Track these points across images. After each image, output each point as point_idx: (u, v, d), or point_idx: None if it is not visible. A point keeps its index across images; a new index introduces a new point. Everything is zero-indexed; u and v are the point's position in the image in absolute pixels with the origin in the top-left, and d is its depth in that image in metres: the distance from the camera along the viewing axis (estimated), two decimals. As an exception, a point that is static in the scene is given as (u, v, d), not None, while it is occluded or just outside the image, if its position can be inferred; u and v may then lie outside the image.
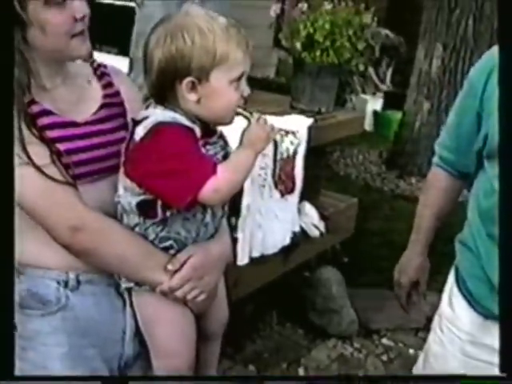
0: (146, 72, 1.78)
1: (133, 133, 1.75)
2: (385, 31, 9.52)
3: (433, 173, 2.58)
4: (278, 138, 3.48)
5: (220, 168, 1.71)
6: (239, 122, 1.83)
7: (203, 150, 1.76)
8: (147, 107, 1.79)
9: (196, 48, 1.69)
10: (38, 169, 1.70)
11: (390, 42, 9.94)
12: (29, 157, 1.68)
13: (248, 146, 1.77)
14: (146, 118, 1.74)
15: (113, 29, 3.69)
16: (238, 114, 1.79)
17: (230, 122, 1.82)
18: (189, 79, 1.72)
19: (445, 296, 2.47)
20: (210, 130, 1.81)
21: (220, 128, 1.87)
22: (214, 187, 1.69)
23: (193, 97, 1.73)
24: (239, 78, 1.76)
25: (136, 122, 1.75)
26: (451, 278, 2.43)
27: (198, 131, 1.75)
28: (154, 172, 1.70)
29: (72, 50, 1.75)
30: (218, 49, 1.70)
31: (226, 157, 1.81)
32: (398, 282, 2.64)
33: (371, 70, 9.45)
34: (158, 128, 1.71)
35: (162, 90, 1.76)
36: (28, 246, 1.81)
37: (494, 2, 7.30)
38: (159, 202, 1.75)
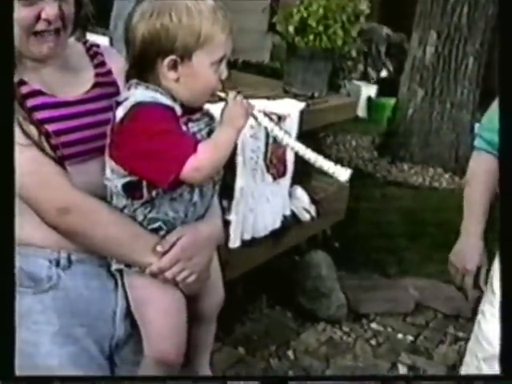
0: (127, 45, 1.77)
1: (115, 114, 1.75)
2: (385, 30, 9.54)
3: (477, 157, 2.59)
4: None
5: (200, 146, 1.70)
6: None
7: (186, 128, 1.75)
8: (129, 88, 1.78)
9: (182, 27, 1.69)
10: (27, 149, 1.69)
11: (393, 41, 9.96)
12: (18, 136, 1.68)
13: (227, 123, 1.77)
14: (126, 98, 1.74)
15: (105, 9, 3.68)
16: (214, 95, 1.80)
17: (204, 104, 1.83)
18: (171, 57, 1.71)
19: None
20: (192, 108, 1.80)
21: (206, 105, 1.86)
22: (195, 166, 1.68)
23: (172, 75, 1.73)
24: (220, 61, 1.76)
25: (118, 103, 1.75)
26: None
27: (178, 109, 1.75)
28: (134, 153, 1.70)
29: (30, 46, 1.73)
30: (203, 30, 1.70)
31: (210, 133, 1.80)
32: (464, 269, 2.64)
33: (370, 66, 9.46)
34: (137, 109, 1.70)
35: (142, 65, 1.75)
36: (20, 224, 1.82)
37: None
38: (144, 183, 1.75)
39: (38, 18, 1.69)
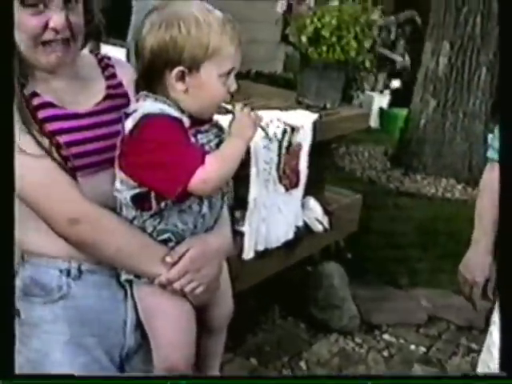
0: (137, 56, 1.78)
1: (124, 126, 1.76)
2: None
3: (490, 168, 2.59)
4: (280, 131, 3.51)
5: (208, 158, 1.71)
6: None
7: (194, 139, 1.76)
8: (137, 100, 1.80)
9: (190, 38, 1.70)
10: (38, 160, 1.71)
11: (404, 17, 9.90)
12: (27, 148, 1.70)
13: (236, 135, 1.77)
14: (135, 110, 1.75)
15: (119, 21, 3.70)
16: (221, 107, 1.81)
17: (212, 115, 1.84)
18: (179, 68, 1.72)
19: None
20: (201, 118, 1.81)
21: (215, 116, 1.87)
22: (203, 178, 1.69)
23: (181, 86, 1.74)
24: (228, 73, 1.77)
25: (127, 115, 1.76)
26: None
27: (186, 121, 1.76)
28: (143, 164, 1.71)
29: (38, 56, 1.74)
30: (211, 42, 1.71)
31: (220, 144, 1.81)
32: (473, 281, 2.64)
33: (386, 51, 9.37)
34: (146, 120, 1.71)
35: (152, 76, 1.76)
36: (31, 234, 1.83)
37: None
38: (153, 194, 1.76)
39: (45, 27, 1.70)
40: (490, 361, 2.56)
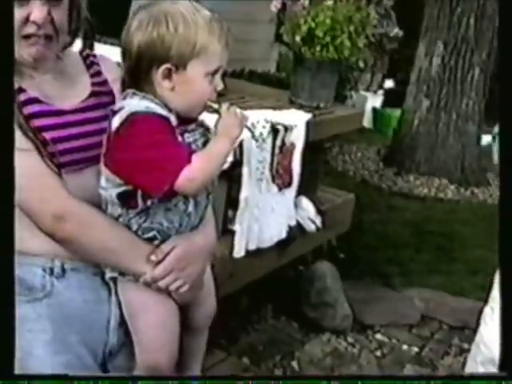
0: (123, 55, 1.78)
1: (111, 123, 1.75)
2: None
3: None
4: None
5: (195, 157, 1.71)
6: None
7: (181, 138, 1.76)
8: (125, 97, 1.79)
9: (178, 36, 1.71)
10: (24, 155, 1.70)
11: None
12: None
13: (222, 134, 1.77)
14: (122, 108, 1.75)
15: (114, 19, 3.70)
16: (207, 106, 1.80)
17: (199, 114, 1.84)
18: (166, 66, 1.73)
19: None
20: (187, 118, 1.81)
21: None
22: (189, 176, 1.69)
23: (167, 84, 1.75)
24: (215, 72, 1.78)
25: (114, 112, 1.76)
26: None
27: (173, 120, 1.76)
28: (129, 162, 1.71)
29: (19, 51, 1.73)
30: (198, 40, 1.71)
31: (206, 143, 1.81)
32: None
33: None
34: (132, 118, 1.71)
35: (139, 74, 1.76)
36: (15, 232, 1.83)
37: (495, 2, 7.31)
38: (139, 192, 1.76)
39: (26, 20, 1.69)
40: (477, 354, 2.56)
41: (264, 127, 3.53)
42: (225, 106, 1.79)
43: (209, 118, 1.87)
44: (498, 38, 1.88)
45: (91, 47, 1.96)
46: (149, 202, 1.77)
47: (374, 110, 9.90)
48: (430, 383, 1.79)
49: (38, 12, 1.69)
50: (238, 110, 1.81)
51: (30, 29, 1.71)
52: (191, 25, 1.71)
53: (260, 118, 3.55)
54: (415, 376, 3.85)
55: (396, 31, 9.72)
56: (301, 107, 4.12)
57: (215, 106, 1.79)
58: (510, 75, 1.79)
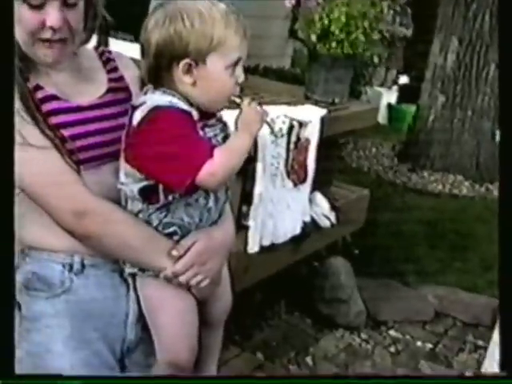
0: (143, 53, 1.79)
1: (132, 118, 1.76)
2: None
3: None
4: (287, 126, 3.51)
5: (216, 152, 1.71)
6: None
7: (202, 133, 1.77)
8: (145, 92, 1.80)
9: (194, 31, 1.71)
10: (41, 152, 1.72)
11: None
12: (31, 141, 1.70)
13: (242, 129, 1.78)
14: (143, 103, 1.75)
15: (130, 16, 3.72)
16: (230, 100, 1.80)
17: (221, 108, 1.84)
18: (186, 61, 1.73)
19: None
20: (208, 112, 1.81)
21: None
22: (211, 171, 1.69)
23: (188, 79, 1.75)
24: (235, 64, 1.77)
25: (134, 108, 1.76)
26: None
27: (195, 114, 1.76)
28: (151, 157, 1.71)
29: (35, 52, 1.74)
30: (215, 33, 1.72)
31: (225, 138, 1.82)
32: None
33: None
34: (155, 112, 1.72)
35: (159, 71, 1.76)
36: (34, 228, 1.83)
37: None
38: (161, 187, 1.76)
39: (43, 24, 1.70)
40: (495, 353, 2.56)
41: (284, 123, 3.54)
42: (246, 100, 1.79)
43: (227, 114, 1.88)
44: (498, 37, 1.86)
45: (106, 43, 1.96)
46: (170, 197, 1.77)
47: (389, 105, 9.87)
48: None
49: (54, 17, 1.69)
50: (259, 106, 1.81)
51: (47, 34, 1.71)
52: (207, 19, 1.72)
53: (280, 113, 3.56)
54: (413, 376, 3.86)
55: (404, 31, 9.68)
56: (316, 103, 4.12)
57: (237, 100, 1.79)
58: (510, 75, 1.78)
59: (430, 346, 4.41)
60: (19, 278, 1.87)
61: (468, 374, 4.05)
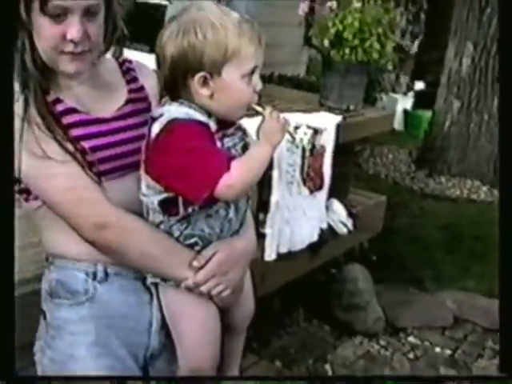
0: (158, 66, 1.79)
1: (150, 130, 1.76)
2: None
3: None
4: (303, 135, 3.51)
5: (234, 163, 1.70)
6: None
7: (220, 143, 1.76)
8: (163, 104, 1.80)
9: (208, 43, 1.70)
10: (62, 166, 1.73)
11: None
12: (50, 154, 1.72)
13: (264, 139, 1.76)
14: (161, 114, 1.75)
15: (145, 27, 3.73)
16: (250, 108, 1.79)
17: (240, 117, 1.83)
18: (201, 74, 1.72)
19: None
20: (227, 122, 1.81)
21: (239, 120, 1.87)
22: (228, 183, 1.69)
23: (205, 91, 1.74)
24: (251, 73, 1.76)
25: (153, 119, 1.77)
26: None
27: (212, 125, 1.76)
28: (169, 169, 1.72)
29: (58, 65, 1.75)
30: (229, 44, 1.71)
31: (245, 148, 1.82)
32: None
33: None
34: (172, 125, 1.72)
35: (175, 84, 1.76)
36: (57, 237, 1.86)
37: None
38: (180, 199, 1.76)
39: (63, 37, 1.71)
40: None
41: (305, 134, 3.54)
42: (268, 109, 1.78)
43: (247, 123, 1.88)
44: (498, 39, 1.86)
45: (121, 54, 1.97)
46: (190, 209, 1.77)
47: (405, 112, 9.85)
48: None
49: (74, 30, 1.70)
50: (281, 115, 1.80)
51: (68, 47, 1.72)
52: (220, 30, 1.71)
53: (302, 123, 3.56)
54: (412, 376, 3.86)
55: (408, 44, 9.69)
56: (330, 110, 4.12)
57: (259, 109, 1.78)
58: (510, 75, 1.78)
59: (449, 352, 4.39)
60: (44, 285, 1.92)
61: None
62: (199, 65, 1.72)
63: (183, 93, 1.77)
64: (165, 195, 1.77)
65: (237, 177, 1.70)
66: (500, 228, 1.85)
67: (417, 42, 9.75)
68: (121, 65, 1.97)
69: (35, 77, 1.72)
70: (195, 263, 1.82)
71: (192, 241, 1.82)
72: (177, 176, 1.71)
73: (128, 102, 1.91)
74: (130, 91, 1.93)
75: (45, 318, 1.92)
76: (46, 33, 1.70)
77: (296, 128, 3.46)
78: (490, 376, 2.05)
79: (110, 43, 1.87)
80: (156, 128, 1.74)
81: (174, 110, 1.75)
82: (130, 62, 2.00)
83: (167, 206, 1.78)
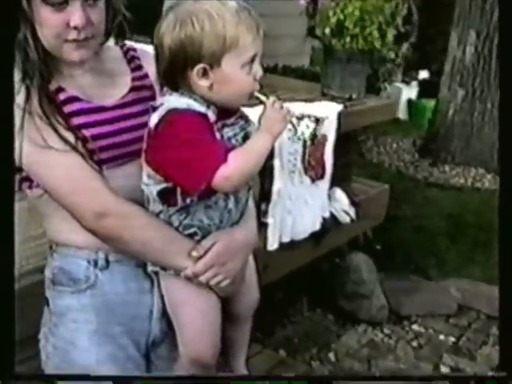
0: (157, 59, 1.78)
1: (151, 119, 1.76)
2: None
3: None
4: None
5: (232, 154, 1.69)
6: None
7: (220, 133, 1.75)
8: (164, 93, 1.79)
9: (206, 34, 1.68)
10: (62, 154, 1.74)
11: None
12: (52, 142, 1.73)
13: (265, 129, 1.75)
14: (161, 104, 1.75)
15: (144, 17, 3.73)
16: (253, 97, 1.78)
17: (242, 105, 1.82)
18: (200, 66, 1.71)
19: None
20: (227, 111, 1.79)
21: (241, 108, 1.85)
22: (225, 175, 1.68)
23: (205, 83, 1.73)
24: (251, 61, 1.74)
25: (154, 109, 1.76)
26: None
27: (212, 116, 1.74)
28: (167, 159, 1.71)
29: (63, 53, 1.75)
30: (227, 34, 1.68)
31: (246, 137, 1.79)
32: None
33: None
34: (170, 115, 1.71)
35: (174, 76, 1.75)
36: (60, 225, 1.87)
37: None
38: (179, 190, 1.76)
39: (67, 25, 1.70)
40: None
41: (308, 127, 3.54)
42: (271, 99, 1.77)
43: (251, 111, 1.86)
44: (498, 35, 1.85)
45: (123, 39, 1.96)
46: (188, 200, 1.77)
47: (409, 101, 9.83)
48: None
49: (77, 17, 1.70)
50: (284, 105, 1.78)
51: (72, 34, 1.72)
52: (217, 20, 1.69)
53: (305, 114, 3.56)
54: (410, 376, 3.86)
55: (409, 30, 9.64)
56: (332, 99, 4.12)
57: (263, 98, 1.77)
58: (510, 75, 1.78)
59: (453, 339, 4.41)
60: (47, 273, 1.94)
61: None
62: (198, 56, 1.70)
63: (182, 85, 1.76)
64: (163, 185, 1.77)
65: (234, 168, 1.69)
66: (499, 216, 1.85)
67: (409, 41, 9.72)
68: (125, 53, 1.96)
69: (38, 66, 1.73)
70: (194, 253, 1.82)
71: (191, 231, 1.82)
72: (174, 167, 1.71)
73: (132, 90, 1.90)
74: (133, 79, 1.92)
75: (48, 306, 1.93)
76: (48, 22, 1.70)
77: (299, 119, 3.46)
78: (488, 376, 2.05)
79: (111, 29, 1.87)
80: (155, 118, 1.73)
81: (174, 100, 1.74)
82: (135, 50, 1.99)
83: (166, 196, 1.78)
